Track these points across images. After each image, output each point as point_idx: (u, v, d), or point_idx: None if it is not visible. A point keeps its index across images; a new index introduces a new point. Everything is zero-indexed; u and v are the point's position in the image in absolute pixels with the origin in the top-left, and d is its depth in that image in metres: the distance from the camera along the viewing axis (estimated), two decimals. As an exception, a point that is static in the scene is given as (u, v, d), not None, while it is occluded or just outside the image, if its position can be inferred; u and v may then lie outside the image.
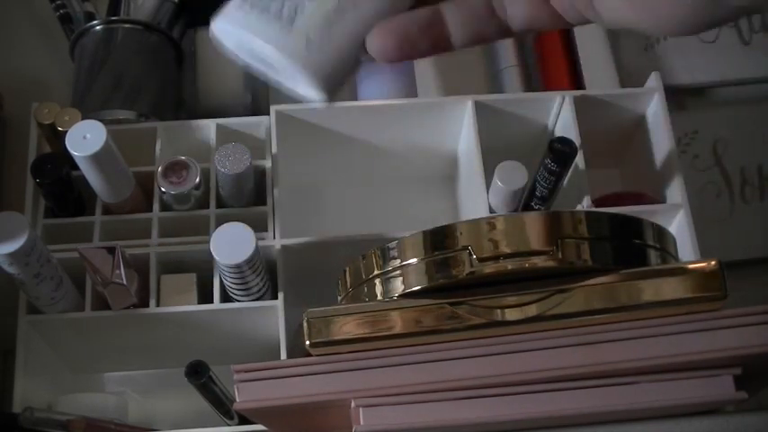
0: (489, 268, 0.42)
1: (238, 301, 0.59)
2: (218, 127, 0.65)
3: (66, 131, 0.57)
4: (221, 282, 0.59)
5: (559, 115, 0.67)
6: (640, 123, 0.69)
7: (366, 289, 0.45)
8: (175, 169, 0.61)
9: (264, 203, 0.63)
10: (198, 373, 0.52)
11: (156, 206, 0.62)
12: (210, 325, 0.61)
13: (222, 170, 0.59)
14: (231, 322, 0.61)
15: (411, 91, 0.70)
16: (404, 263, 0.43)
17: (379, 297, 0.44)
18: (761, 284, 0.71)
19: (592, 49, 0.77)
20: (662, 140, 0.65)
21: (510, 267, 0.42)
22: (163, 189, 0.61)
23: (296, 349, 0.58)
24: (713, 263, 0.43)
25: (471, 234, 0.42)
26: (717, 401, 0.43)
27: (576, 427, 0.44)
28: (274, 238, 0.61)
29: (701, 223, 0.64)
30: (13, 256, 0.52)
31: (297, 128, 0.66)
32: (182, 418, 0.63)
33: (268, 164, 0.64)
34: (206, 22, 0.72)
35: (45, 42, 0.77)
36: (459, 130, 0.68)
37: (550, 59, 0.74)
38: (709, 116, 0.77)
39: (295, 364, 0.43)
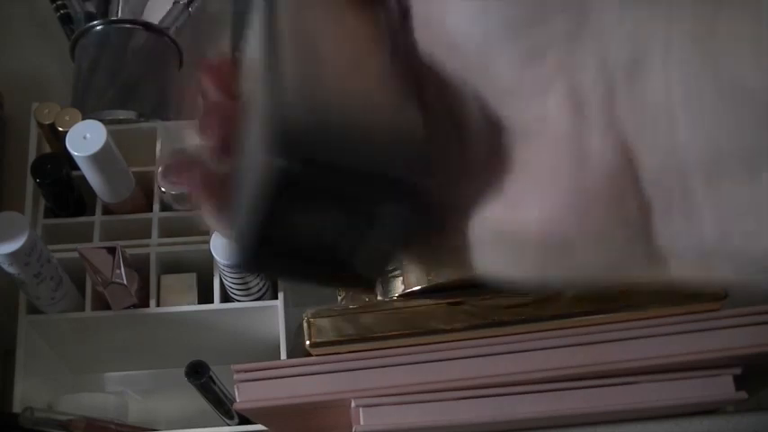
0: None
1: (238, 300, 0.59)
2: (219, 127, 0.65)
3: (66, 131, 0.57)
4: (221, 282, 0.59)
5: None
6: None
7: (366, 289, 0.45)
8: (175, 169, 0.61)
9: (264, 203, 0.63)
10: (198, 373, 0.52)
11: (156, 206, 0.62)
12: (210, 325, 0.60)
13: (222, 170, 0.59)
14: (231, 322, 0.60)
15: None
16: (403, 263, 0.43)
17: (380, 297, 0.44)
18: (761, 284, 0.71)
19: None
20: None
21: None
22: (163, 189, 0.61)
23: (296, 349, 0.58)
24: (713, 263, 0.43)
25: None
26: (717, 401, 0.43)
27: (576, 427, 0.44)
28: (274, 238, 0.61)
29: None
30: (13, 256, 0.52)
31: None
32: (182, 418, 0.63)
33: (268, 164, 0.63)
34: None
35: (45, 42, 0.77)
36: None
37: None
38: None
39: (295, 364, 0.43)
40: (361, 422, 0.42)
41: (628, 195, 0.24)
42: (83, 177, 0.59)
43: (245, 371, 0.43)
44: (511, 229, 0.26)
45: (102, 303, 0.59)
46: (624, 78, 0.23)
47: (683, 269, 0.25)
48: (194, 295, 0.60)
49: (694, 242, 0.24)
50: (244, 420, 0.56)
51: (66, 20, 0.72)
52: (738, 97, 0.22)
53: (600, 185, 0.24)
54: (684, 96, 0.22)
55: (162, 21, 0.70)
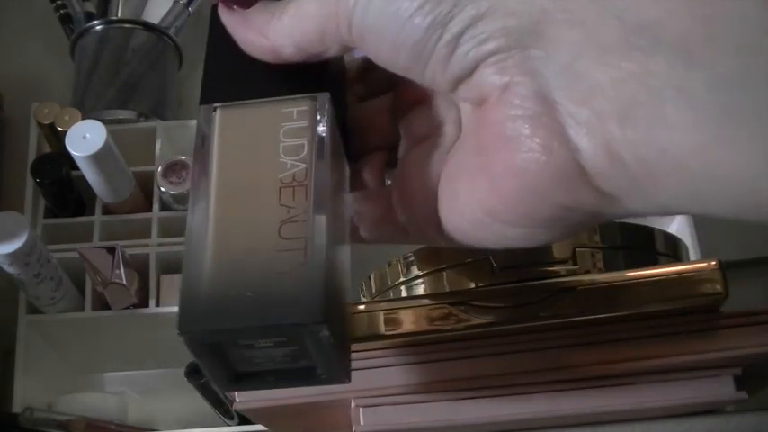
0: (510, 277, 0.42)
1: (238, 301, 0.59)
2: (218, 127, 0.65)
3: (66, 131, 0.57)
4: (221, 282, 0.59)
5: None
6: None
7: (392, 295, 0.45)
8: (175, 169, 0.61)
9: (264, 203, 0.63)
10: (198, 373, 0.52)
11: (156, 206, 0.62)
12: (210, 325, 0.60)
13: (222, 170, 0.59)
14: (231, 322, 0.60)
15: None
16: (425, 272, 0.43)
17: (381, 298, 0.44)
18: (761, 284, 0.71)
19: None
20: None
21: (530, 276, 0.42)
22: (163, 189, 0.61)
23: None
24: (713, 263, 0.43)
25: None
26: (717, 401, 0.43)
27: (576, 427, 0.44)
28: (274, 238, 0.61)
29: (701, 223, 0.64)
30: (13, 256, 0.52)
31: (297, 128, 0.65)
32: (182, 418, 0.63)
33: (268, 164, 0.63)
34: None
35: (45, 42, 0.77)
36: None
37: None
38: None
39: (295, 364, 0.43)
40: (361, 422, 0.42)
41: (556, 143, 0.25)
42: (82, 177, 0.59)
43: (245, 371, 0.43)
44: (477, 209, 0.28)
45: (102, 303, 0.59)
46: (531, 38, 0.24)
47: (633, 204, 0.26)
48: (194, 295, 0.60)
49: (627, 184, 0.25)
50: (243, 420, 0.56)
51: (66, 20, 0.72)
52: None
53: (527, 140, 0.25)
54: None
55: (162, 21, 0.70)
